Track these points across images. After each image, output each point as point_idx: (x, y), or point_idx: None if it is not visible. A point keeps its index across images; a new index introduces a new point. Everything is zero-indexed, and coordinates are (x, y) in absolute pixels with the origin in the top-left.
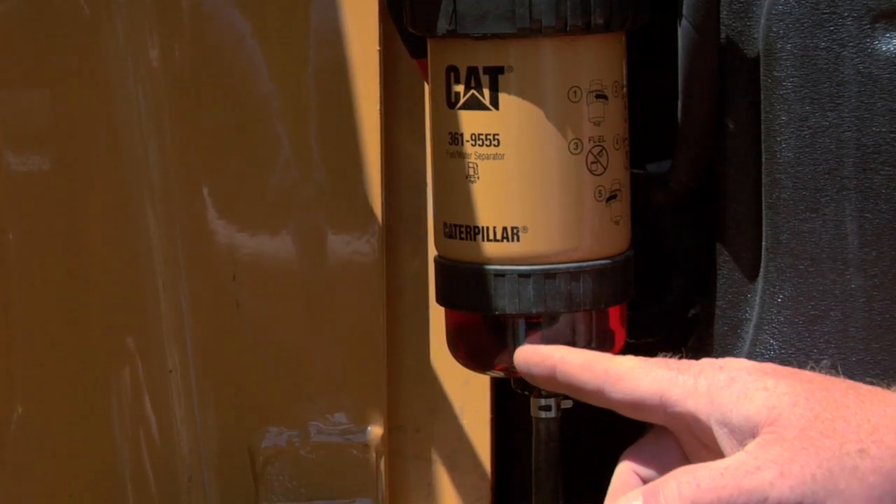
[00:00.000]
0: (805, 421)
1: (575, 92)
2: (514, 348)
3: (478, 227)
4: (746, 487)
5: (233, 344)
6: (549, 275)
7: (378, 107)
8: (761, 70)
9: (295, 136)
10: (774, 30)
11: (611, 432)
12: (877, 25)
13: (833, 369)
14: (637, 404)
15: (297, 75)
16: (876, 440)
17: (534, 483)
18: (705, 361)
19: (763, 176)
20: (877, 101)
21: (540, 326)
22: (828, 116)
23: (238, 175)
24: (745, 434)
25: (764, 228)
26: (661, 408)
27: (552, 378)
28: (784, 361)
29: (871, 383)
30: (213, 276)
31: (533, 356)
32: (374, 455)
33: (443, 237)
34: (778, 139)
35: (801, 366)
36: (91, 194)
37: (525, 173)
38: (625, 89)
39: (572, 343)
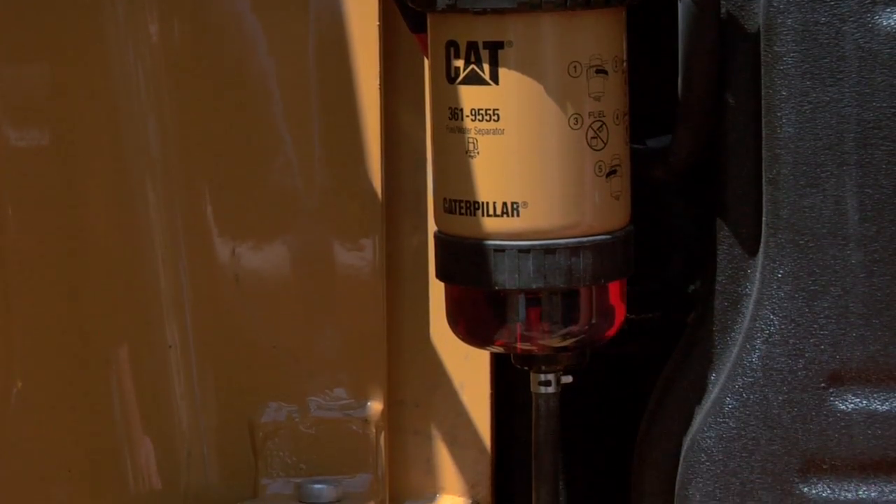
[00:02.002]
0: None
1: (575, 67)
2: (514, 323)
3: (478, 203)
4: None
5: (232, 320)
6: (548, 250)
7: (378, 82)
8: (762, 45)
9: (295, 112)
10: (775, 5)
11: (609, 409)
12: (877, 1)
13: None
14: None
15: (296, 51)
16: None
17: (533, 458)
18: None
19: (763, 151)
20: (877, 77)
21: (540, 302)
22: (828, 92)
23: (237, 150)
24: None
25: (764, 204)
26: None
27: None
28: (785, 336)
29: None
30: (212, 252)
31: None
32: (373, 430)
33: (443, 212)
34: (778, 115)
35: (802, 342)
36: (90, 170)
37: (525, 148)
38: (625, 64)
39: (572, 319)
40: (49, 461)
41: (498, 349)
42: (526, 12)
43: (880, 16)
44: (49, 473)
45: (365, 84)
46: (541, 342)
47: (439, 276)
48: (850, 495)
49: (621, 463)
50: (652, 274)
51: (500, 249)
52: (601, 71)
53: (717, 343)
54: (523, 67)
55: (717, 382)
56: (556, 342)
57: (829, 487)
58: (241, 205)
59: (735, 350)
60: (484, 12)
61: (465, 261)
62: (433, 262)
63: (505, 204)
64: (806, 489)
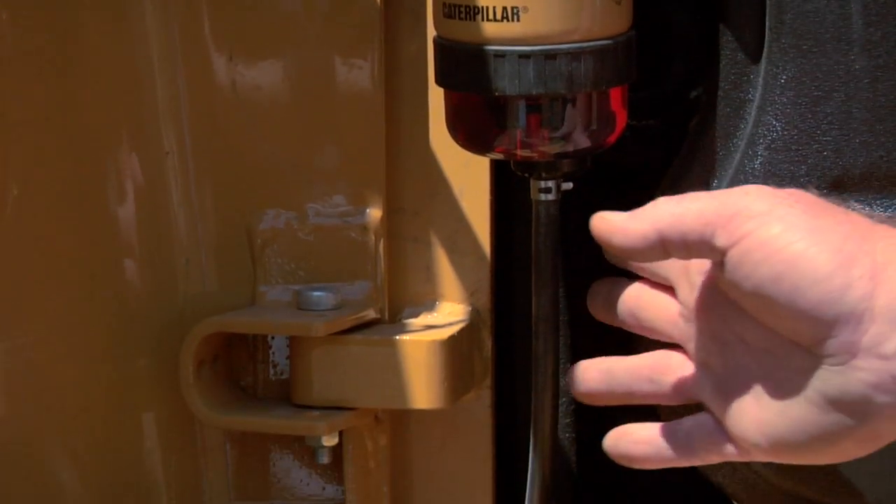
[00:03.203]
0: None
1: None
2: (514, 130)
3: (477, 7)
4: None
5: (230, 126)
6: (549, 55)
7: None
8: None
9: None
10: None
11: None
12: None
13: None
14: None
15: None
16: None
17: (533, 264)
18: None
19: None
20: None
21: (540, 108)
22: None
23: None
24: None
25: (767, 8)
26: None
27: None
28: (787, 142)
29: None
30: (208, 57)
31: None
32: (372, 237)
33: (442, 17)
34: None
35: (805, 148)
36: None
37: None
38: None
39: (573, 125)
40: (46, 271)
41: (498, 156)
42: None
43: None
44: (46, 284)
45: None
46: (541, 149)
47: (438, 81)
48: None
49: (621, 271)
50: (653, 80)
51: (501, 55)
52: None
53: (718, 149)
54: None
55: (719, 188)
56: (557, 149)
57: None
58: (238, 9)
59: (737, 156)
60: None
61: (465, 66)
62: (433, 68)
63: (505, 8)
64: None
